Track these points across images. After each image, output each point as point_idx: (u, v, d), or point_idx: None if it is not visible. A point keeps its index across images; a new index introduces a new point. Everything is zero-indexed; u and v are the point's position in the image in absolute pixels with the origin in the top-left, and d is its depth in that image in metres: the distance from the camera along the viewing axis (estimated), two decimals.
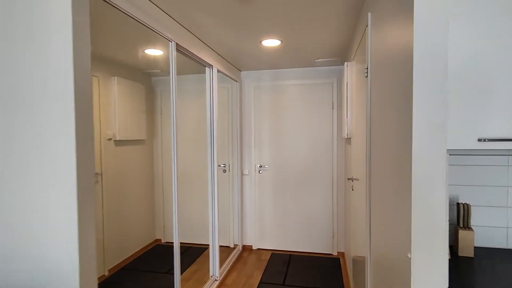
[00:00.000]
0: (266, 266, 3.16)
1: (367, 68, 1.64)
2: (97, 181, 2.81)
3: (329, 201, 3.42)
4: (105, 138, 2.95)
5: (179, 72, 3.75)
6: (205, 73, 2.72)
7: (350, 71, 2.48)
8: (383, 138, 1.32)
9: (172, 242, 3.89)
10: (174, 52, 1.97)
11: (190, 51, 2.16)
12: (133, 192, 3.28)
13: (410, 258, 0.90)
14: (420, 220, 0.91)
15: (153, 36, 2.05)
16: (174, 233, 2.07)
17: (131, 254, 3.29)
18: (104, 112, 2.87)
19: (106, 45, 2.45)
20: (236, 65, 3.32)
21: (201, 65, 2.59)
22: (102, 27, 1.97)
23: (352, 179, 2.34)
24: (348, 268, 2.88)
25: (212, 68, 2.67)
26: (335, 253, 3.40)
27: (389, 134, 1.21)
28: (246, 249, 3.64)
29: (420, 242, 0.90)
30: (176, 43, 1.96)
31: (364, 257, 1.80)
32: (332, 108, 3.37)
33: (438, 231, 0.89)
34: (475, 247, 1.37)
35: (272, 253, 3.49)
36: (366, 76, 1.65)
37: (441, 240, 0.89)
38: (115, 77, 2.97)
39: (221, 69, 2.88)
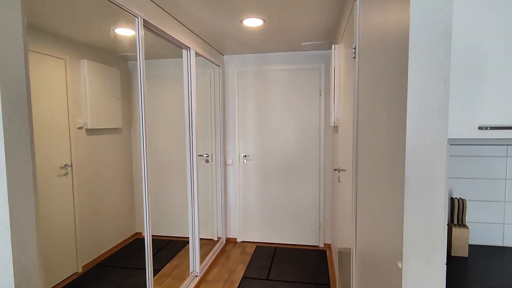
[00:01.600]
0: (250, 260, 3.04)
1: (354, 48, 1.47)
2: (67, 173, 2.60)
3: (316, 192, 3.30)
4: (75, 127, 2.72)
5: (156, 56, 3.49)
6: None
7: (338, 54, 2.31)
8: (372, 126, 1.17)
9: (154, 236, 3.74)
10: (142, 30, 1.75)
11: (161, 30, 1.95)
12: (109, 184, 3.08)
13: (401, 268, 0.76)
14: (414, 221, 0.77)
15: (118, 12, 1.83)
16: (145, 226, 1.90)
17: (108, 249, 3.12)
18: (73, 98, 2.64)
19: (71, 24, 2.20)
20: (218, 49, 3.10)
21: (177, 47, 2.38)
22: (65, 2, 1.73)
23: (338, 170, 2.21)
24: (334, 260, 2.79)
25: (189, 51, 2.46)
26: (321, 245, 3.31)
27: (379, 121, 1.06)
28: (230, 241, 3.52)
29: (413, 247, 0.76)
30: (143, 19, 1.75)
31: (350, 249, 1.69)
32: (320, 95, 3.21)
33: (436, 234, 0.75)
34: (469, 245, 1.26)
35: (257, 246, 3.37)
36: (354, 57, 1.49)
37: (440, 245, 0.75)
38: (85, 60, 2.72)
39: (200, 51, 2.67)
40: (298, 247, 3.33)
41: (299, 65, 3.22)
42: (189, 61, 2.48)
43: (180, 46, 2.35)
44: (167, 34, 2.05)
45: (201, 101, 3.39)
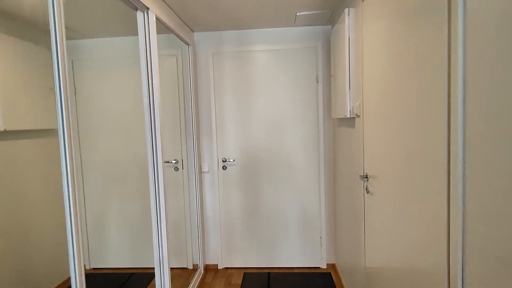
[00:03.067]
0: None
1: None
2: None
3: (315, 201, 2.68)
4: None
5: (100, 29, 2.57)
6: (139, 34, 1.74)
7: (357, 21, 1.70)
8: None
9: (105, 268, 2.87)
10: None
11: None
12: (37, 207, 2.20)
13: None
14: None
15: None
16: (70, 258, 1.14)
17: None
18: None
19: None
20: (187, 21, 2.36)
21: (128, 4, 1.61)
22: None
23: (367, 177, 1.59)
24: (345, 283, 2.20)
25: (147, 13, 1.71)
26: (323, 266, 2.70)
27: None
28: (210, 269, 2.78)
29: None
30: None
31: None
32: (317, 81, 2.59)
33: None
34: None
35: (245, 273, 2.67)
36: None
37: None
38: None
39: (162, 17, 1.91)
40: (296, 270, 2.69)
41: (290, 44, 2.58)
42: (148, 29, 1.72)
43: (133, 3, 1.59)
44: None
45: (167, 92, 2.62)
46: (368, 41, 1.54)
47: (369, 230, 1.62)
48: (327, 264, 2.70)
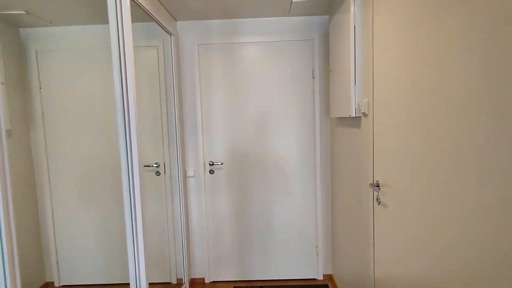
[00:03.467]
0: None
1: None
2: None
3: (311, 207, 2.47)
4: None
5: (69, 20, 2.23)
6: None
7: (365, 7, 1.48)
8: None
9: (78, 286, 2.55)
10: None
11: None
12: None
13: None
14: None
15: None
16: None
17: None
18: None
19: None
20: (170, 8, 2.08)
21: None
22: None
23: (378, 186, 1.38)
24: None
25: None
26: (320, 277, 2.49)
27: None
28: (196, 284, 2.52)
29: None
30: None
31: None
32: (313, 77, 2.37)
33: None
34: None
35: (234, 287, 2.44)
36: None
37: None
38: None
39: (140, 1, 1.64)
40: (290, 283, 2.47)
41: (285, 36, 2.34)
42: (120, 14, 1.44)
43: None
44: None
45: (146, 89, 2.34)
46: (381, 29, 1.33)
47: (381, 242, 1.42)
48: (323, 275, 2.50)
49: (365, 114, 1.57)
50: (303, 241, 2.49)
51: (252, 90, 2.40)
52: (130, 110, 1.50)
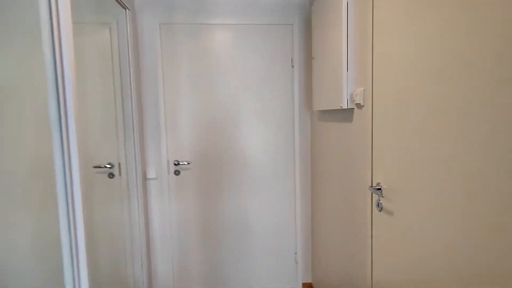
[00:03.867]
0: None
1: None
2: None
3: (290, 210, 2.24)
4: None
5: None
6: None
7: None
8: None
9: None
10: None
11: None
12: None
13: None
14: None
15: None
16: None
17: None
18: None
19: None
20: None
21: None
22: None
23: (379, 189, 1.17)
24: None
25: None
26: (299, 287, 2.28)
27: None
28: None
29: None
30: None
31: None
32: (292, 66, 2.14)
33: None
34: None
35: None
36: None
37: None
38: None
39: None
40: None
41: (261, 19, 2.08)
42: None
43: None
44: None
45: (96, 75, 1.95)
46: (385, 3, 1.11)
47: (383, 254, 1.21)
48: (302, 284, 2.29)
49: (359, 106, 1.35)
50: (281, 248, 2.25)
51: (224, 80, 2.10)
52: (67, 99, 1.14)
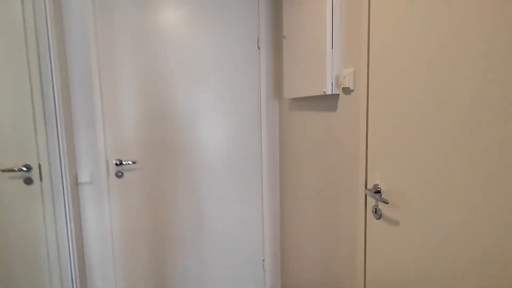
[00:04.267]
0: None
1: None
2: None
3: (256, 212, 1.97)
4: None
5: None
6: None
7: None
8: None
9: None
10: None
11: None
12: None
13: None
14: None
15: None
16: None
17: None
18: None
19: None
20: None
21: None
22: None
23: (378, 192, 0.95)
24: None
25: None
26: None
27: None
28: None
29: None
30: None
31: None
32: (258, 48, 1.85)
33: None
34: None
35: None
36: None
37: None
38: None
39: None
40: None
41: None
42: None
43: None
44: None
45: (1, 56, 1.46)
46: None
47: (383, 270, 1.00)
48: None
49: (347, 91, 1.11)
50: (246, 255, 1.98)
51: (177, 64, 1.74)
52: None
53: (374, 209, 0.98)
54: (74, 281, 1.62)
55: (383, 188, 0.94)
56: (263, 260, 2.01)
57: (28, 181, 1.57)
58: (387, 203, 0.89)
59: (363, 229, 1.05)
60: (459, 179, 0.67)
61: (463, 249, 0.67)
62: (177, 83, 1.75)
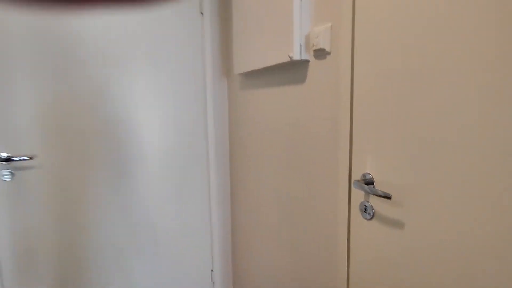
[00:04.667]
0: None
1: None
2: None
3: (203, 216, 1.64)
4: None
5: None
6: None
7: None
8: None
9: None
10: None
11: None
12: None
13: None
14: None
15: None
16: None
17: None
18: None
19: None
20: None
21: None
22: None
23: (370, 183, 0.70)
24: None
25: None
26: None
27: None
28: None
29: None
30: None
31: None
32: (201, 13, 1.50)
33: None
34: None
35: None
36: None
37: None
38: None
39: None
40: None
41: None
42: None
43: None
44: None
45: None
46: None
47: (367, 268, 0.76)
48: None
49: (322, 54, 0.85)
50: (192, 265, 1.64)
51: (96, 28, 1.30)
52: None
53: (363, 207, 0.74)
54: None
55: (376, 178, 0.70)
56: (212, 271, 1.69)
57: None
58: (389, 198, 0.64)
59: (346, 234, 0.80)
60: (490, 168, 0.44)
61: (492, 261, 0.45)
62: (95, 55, 1.31)
